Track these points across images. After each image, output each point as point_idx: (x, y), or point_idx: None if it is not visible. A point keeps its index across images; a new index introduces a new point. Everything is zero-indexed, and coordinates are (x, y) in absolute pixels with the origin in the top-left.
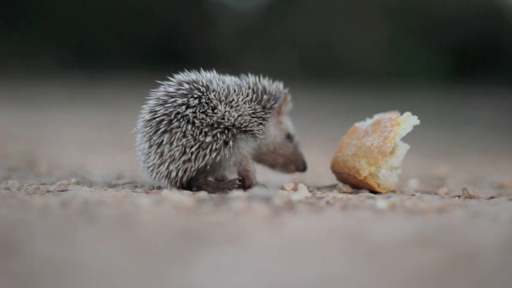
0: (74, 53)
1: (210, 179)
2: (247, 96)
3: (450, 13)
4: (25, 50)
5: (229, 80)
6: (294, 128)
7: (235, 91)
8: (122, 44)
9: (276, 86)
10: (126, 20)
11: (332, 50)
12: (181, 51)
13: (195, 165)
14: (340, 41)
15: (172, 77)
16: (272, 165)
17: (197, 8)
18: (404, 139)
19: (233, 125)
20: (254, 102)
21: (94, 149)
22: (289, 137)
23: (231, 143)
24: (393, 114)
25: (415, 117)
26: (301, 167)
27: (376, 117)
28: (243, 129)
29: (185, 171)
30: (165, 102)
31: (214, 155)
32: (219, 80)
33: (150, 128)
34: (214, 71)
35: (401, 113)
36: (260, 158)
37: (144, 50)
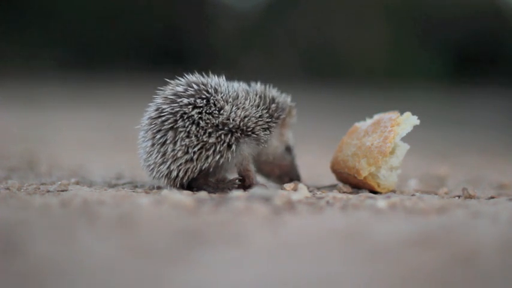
0: (74, 53)
1: (210, 179)
2: (255, 101)
3: (450, 13)
4: (25, 50)
5: (238, 85)
6: (293, 140)
7: (243, 96)
8: (122, 44)
9: (284, 98)
10: (126, 20)
11: (332, 50)
12: (181, 51)
13: (197, 166)
14: (340, 41)
15: (176, 76)
16: (267, 175)
17: (197, 8)
18: (404, 139)
19: (238, 127)
20: (261, 107)
21: (94, 149)
22: (288, 149)
23: (234, 146)
24: (393, 114)
25: (415, 117)
26: (295, 180)
27: (376, 117)
28: (248, 132)
29: (186, 172)
30: (172, 101)
31: (217, 157)
32: (228, 84)
33: (155, 126)
34: (223, 77)
35: (401, 113)
36: (258, 166)
37: (144, 50)
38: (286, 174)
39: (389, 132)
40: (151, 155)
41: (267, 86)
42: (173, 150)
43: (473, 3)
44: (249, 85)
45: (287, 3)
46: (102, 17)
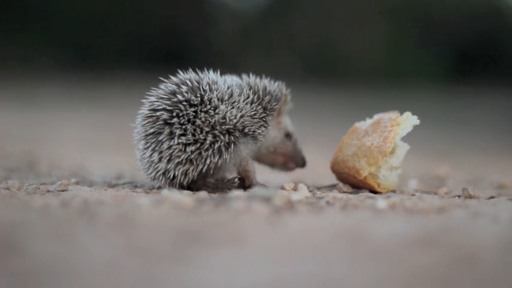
0: (74, 53)
1: (209, 180)
2: (248, 97)
3: (450, 13)
4: (25, 50)
5: (231, 80)
6: (292, 125)
7: (237, 92)
8: (122, 44)
9: (277, 86)
10: (126, 20)
11: (332, 49)
12: (181, 51)
13: (196, 169)
14: (340, 41)
15: (173, 75)
16: (271, 165)
17: (197, 8)
18: (404, 139)
19: (235, 127)
20: (255, 103)
21: (94, 149)
22: (288, 135)
23: (232, 146)
24: (393, 114)
25: (415, 117)
26: (301, 163)
27: (376, 117)
28: (246, 131)
29: (186, 175)
30: (167, 99)
31: (216, 158)
32: (221, 80)
33: (149, 122)
34: (218, 72)
35: (401, 113)
36: (260, 159)
37: (144, 50)
38: (291, 160)
39: (390, 132)
40: (146, 153)
41: (259, 77)
42: (169, 147)
43: (473, 4)
44: (241, 78)
45: (287, 3)
46: (102, 17)
